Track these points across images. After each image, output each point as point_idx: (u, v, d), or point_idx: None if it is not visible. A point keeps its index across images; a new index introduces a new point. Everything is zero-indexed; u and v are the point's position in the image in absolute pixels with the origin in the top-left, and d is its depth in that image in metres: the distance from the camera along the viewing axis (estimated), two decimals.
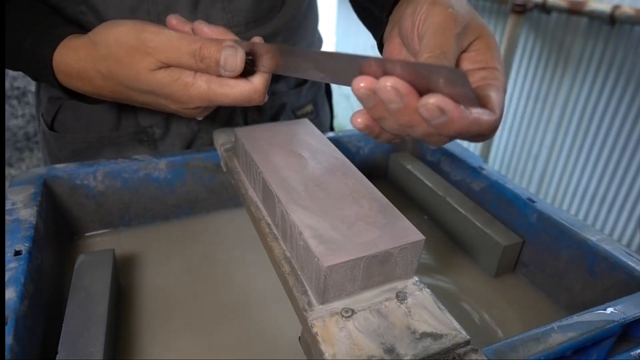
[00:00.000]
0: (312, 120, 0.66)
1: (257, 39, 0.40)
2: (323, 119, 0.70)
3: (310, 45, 0.64)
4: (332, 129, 0.75)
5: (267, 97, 0.40)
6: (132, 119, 0.56)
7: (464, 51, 0.33)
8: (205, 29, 0.40)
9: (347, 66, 0.30)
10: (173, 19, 0.42)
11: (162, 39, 0.37)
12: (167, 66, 0.38)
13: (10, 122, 1.75)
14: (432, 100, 0.25)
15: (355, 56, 0.28)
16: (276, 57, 0.37)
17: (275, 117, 0.62)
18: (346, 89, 2.37)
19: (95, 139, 0.56)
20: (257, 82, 0.39)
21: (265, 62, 0.38)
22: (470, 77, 0.32)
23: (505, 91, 0.32)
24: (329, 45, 2.48)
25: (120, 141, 0.56)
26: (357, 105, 0.39)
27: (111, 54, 0.39)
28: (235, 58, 0.37)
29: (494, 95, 0.30)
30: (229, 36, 0.40)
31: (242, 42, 0.38)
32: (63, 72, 0.42)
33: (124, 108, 0.55)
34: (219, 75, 0.38)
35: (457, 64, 0.33)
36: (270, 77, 0.40)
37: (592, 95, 1.43)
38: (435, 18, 0.32)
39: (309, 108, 0.66)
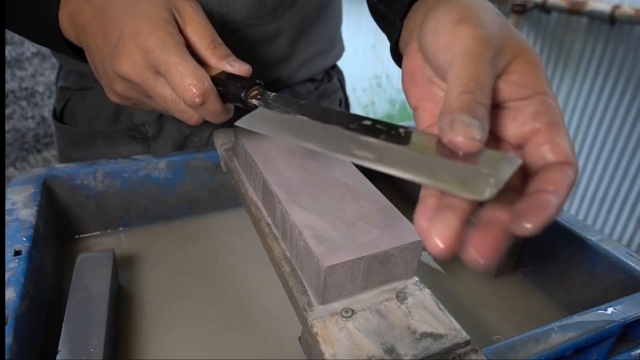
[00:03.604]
0: None
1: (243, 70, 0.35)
2: None
3: (323, 52, 0.58)
4: None
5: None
6: (128, 115, 0.56)
7: (500, 74, 0.27)
8: (229, 69, 0.35)
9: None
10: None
11: (180, 65, 0.32)
12: (155, 73, 0.33)
13: (21, 124, 1.75)
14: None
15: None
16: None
17: None
18: (365, 100, 2.36)
19: (89, 132, 0.57)
20: (231, 112, 0.35)
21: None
22: (517, 112, 0.26)
23: (563, 118, 0.26)
24: None
25: (113, 136, 0.57)
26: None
27: (119, 13, 0.33)
28: (194, 118, 0.34)
29: (560, 142, 0.24)
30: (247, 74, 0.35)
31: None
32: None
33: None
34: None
35: (495, 93, 0.27)
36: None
37: (592, 95, 1.43)
38: (463, 42, 0.26)
39: None
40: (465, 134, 0.23)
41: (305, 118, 0.29)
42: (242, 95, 0.33)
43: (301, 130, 0.28)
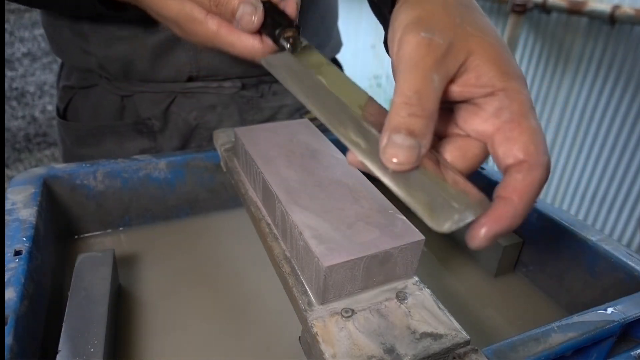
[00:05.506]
0: (319, 126, 0.66)
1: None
2: None
3: (320, 46, 0.60)
4: None
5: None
6: (133, 110, 0.56)
7: (456, 76, 0.26)
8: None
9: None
10: None
11: None
12: None
13: (11, 123, 1.75)
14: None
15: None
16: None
17: (273, 118, 0.62)
18: None
19: (96, 127, 0.57)
20: (269, 46, 0.35)
21: (288, 34, 0.34)
22: (480, 108, 0.26)
23: (531, 110, 0.25)
24: None
25: (120, 130, 0.57)
26: None
27: None
28: (251, 16, 0.32)
29: (519, 138, 0.24)
30: None
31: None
32: None
33: (127, 98, 0.56)
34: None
35: (454, 95, 0.26)
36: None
37: (592, 95, 1.42)
38: (406, 49, 0.25)
39: None
40: (398, 159, 0.23)
41: (323, 81, 0.29)
42: (277, 32, 0.34)
43: (312, 93, 0.29)
